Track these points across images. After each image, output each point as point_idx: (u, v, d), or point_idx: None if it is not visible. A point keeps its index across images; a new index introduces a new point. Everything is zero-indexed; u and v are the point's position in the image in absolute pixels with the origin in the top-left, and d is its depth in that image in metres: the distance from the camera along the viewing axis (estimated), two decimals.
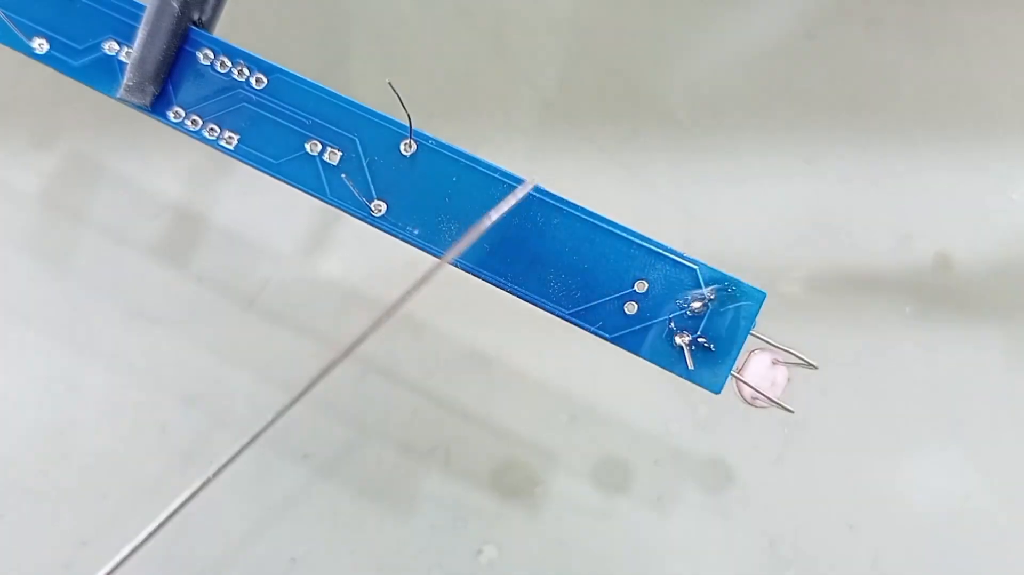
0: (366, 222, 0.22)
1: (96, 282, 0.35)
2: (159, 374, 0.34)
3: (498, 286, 0.22)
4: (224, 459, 0.24)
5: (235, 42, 0.24)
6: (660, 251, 0.21)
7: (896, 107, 0.37)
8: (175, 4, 0.23)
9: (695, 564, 0.31)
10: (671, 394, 0.33)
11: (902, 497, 0.31)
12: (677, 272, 0.21)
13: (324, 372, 0.23)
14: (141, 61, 0.23)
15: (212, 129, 0.23)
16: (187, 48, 0.23)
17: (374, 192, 0.23)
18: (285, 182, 0.23)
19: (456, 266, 0.22)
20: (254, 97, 0.23)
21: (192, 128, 0.23)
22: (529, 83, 0.38)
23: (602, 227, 0.22)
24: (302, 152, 0.23)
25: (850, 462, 0.32)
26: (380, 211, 0.22)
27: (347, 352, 0.23)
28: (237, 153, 0.23)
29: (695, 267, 0.21)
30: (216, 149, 0.23)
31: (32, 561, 0.31)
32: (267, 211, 0.36)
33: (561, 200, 0.22)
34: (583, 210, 0.22)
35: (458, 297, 0.34)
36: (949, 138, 0.37)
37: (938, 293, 0.34)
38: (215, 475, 0.24)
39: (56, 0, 0.24)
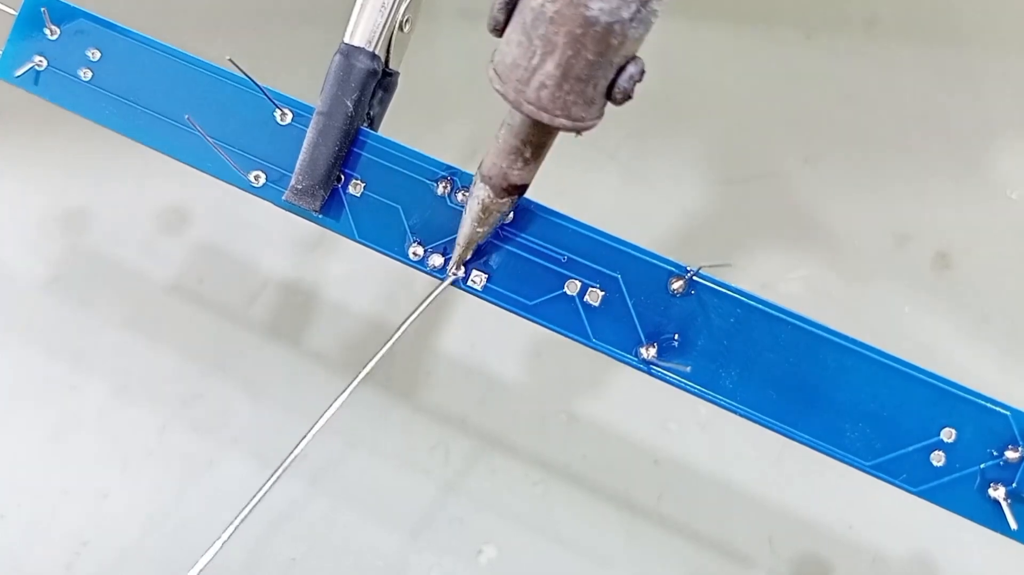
0: (632, 366, 0.21)
1: (97, 284, 0.35)
2: (159, 375, 0.34)
3: (784, 434, 0.20)
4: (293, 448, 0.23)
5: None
6: (968, 397, 0.19)
7: (895, 107, 0.37)
8: (348, 103, 0.22)
9: (696, 563, 0.31)
10: (671, 394, 0.33)
11: (902, 497, 0.31)
12: (987, 419, 0.19)
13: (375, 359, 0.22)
14: (311, 163, 0.22)
15: (457, 269, 0.21)
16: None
17: (643, 337, 0.21)
18: (542, 324, 0.21)
19: (739, 414, 0.20)
20: (501, 233, 0.21)
21: (433, 268, 0.22)
22: None
23: (903, 370, 0.20)
24: (559, 292, 0.21)
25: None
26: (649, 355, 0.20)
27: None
28: (486, 294, 0.21)
29: (1007, 413, 0.19)
30: (462, 290, 0.21)
31: (32, 561, 0.31)
32: (267, 212, 0.36)
33: (856, 341, 0.20)
34: (881, 352, 0.20)
35: (458, 302, 0.34)
36: (948, 138, 0.36)
37: (938, 293, 0.34)
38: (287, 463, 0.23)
39: (269, 132, 0.23)
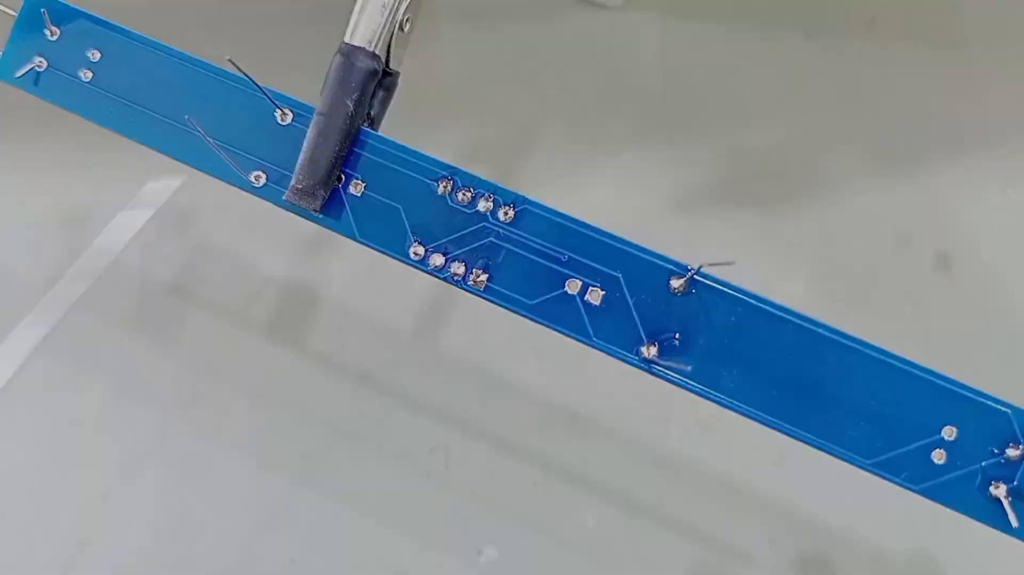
0: (632, 365, 0.21)
1: (97, 284, 0.35)
2: (159, 375, 0.34)
3: (785, 433, 0.20)
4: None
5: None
6: (970, 395, 0.19)
7: (895, 107, 0.37)
8: (349, 103, 0.22)
9: (696, 564, 0.31)
10: (671, 394, 0.33)
11: (902, 497, 0.31)
12: (989, 417, 0.19)
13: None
14: (312, 163, 0.22)
15: (458, 269, 0.21)
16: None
17: (644, 335, 0.21)
18: (542, 323, 0.21)
19: (740, 412, 0.20)
20: (502, 232, 0.21)
21: (434, 267, 0.21)
22: (529, 84, 0.38)
23: (905, 369, 0.20)
24: (560, 291, 0.21)
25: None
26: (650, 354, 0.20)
27: None
28: (487, 294, 0.21)
29: (1008, 411, 0.19)
30: (463, 290, 0.21)
31: (32, 561, 0.31)
32: (268, 212, 0.36)
33: (857, 340, 0.20)
34: (882, 350, 0.20)
35: (458, 301, 0.34)
36: (948, 138, 0.37)
37: (939, 293, 0.34)
38: None
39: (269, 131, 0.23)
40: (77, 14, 0.25)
